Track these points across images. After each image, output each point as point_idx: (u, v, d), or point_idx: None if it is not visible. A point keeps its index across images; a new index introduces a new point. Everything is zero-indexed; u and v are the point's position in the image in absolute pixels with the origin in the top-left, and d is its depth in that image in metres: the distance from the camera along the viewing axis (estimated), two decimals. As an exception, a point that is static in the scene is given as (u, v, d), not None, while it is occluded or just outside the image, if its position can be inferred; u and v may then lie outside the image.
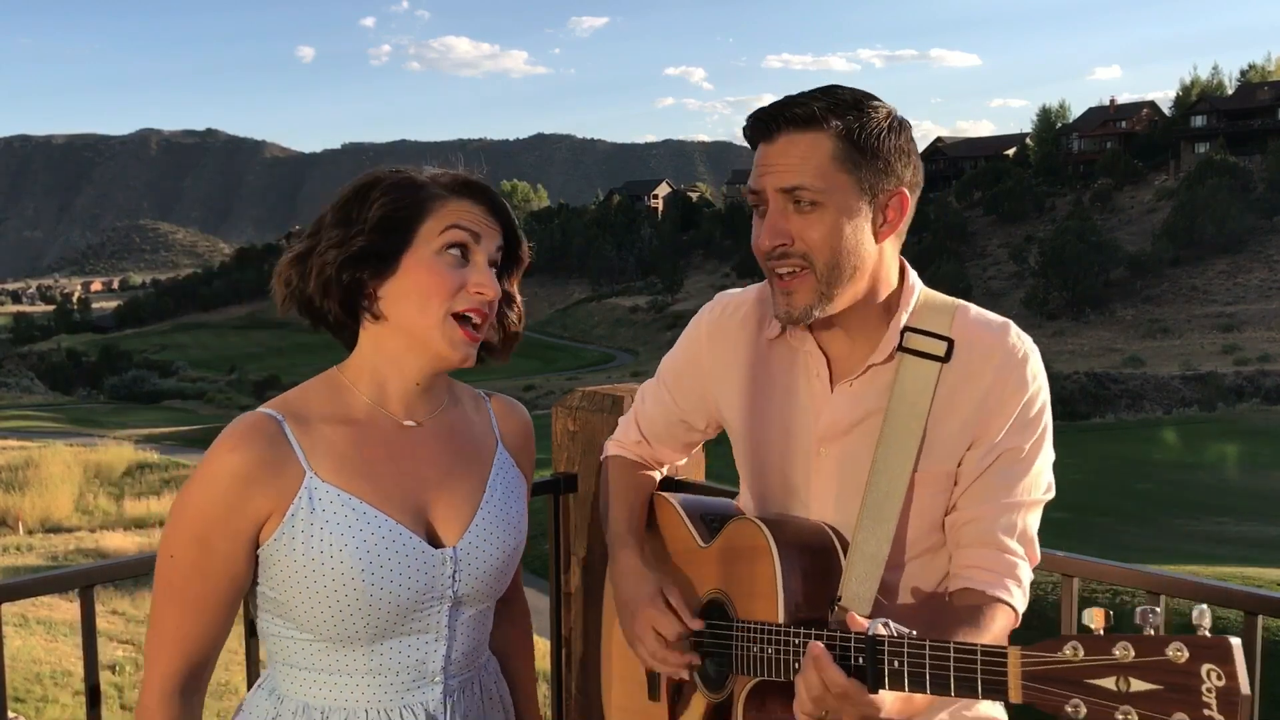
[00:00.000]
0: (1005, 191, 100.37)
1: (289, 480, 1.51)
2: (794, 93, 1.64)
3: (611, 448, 2.10)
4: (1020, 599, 1.65)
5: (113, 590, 16.33)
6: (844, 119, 1.60)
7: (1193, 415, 47.53)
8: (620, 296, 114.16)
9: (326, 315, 1.58)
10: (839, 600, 1.61)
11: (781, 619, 1.59)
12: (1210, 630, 1.15)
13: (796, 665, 1.52)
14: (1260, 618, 1.82)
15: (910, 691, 1.37)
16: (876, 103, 1.64)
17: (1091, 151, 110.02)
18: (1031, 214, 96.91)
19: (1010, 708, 1.69)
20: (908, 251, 1.75)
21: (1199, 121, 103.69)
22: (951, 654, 1.32)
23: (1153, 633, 1.17)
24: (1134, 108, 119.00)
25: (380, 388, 1.61)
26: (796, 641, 1.53)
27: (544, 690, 3.13)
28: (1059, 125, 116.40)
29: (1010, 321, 1.73)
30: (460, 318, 1.55)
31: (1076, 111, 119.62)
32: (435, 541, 1.59)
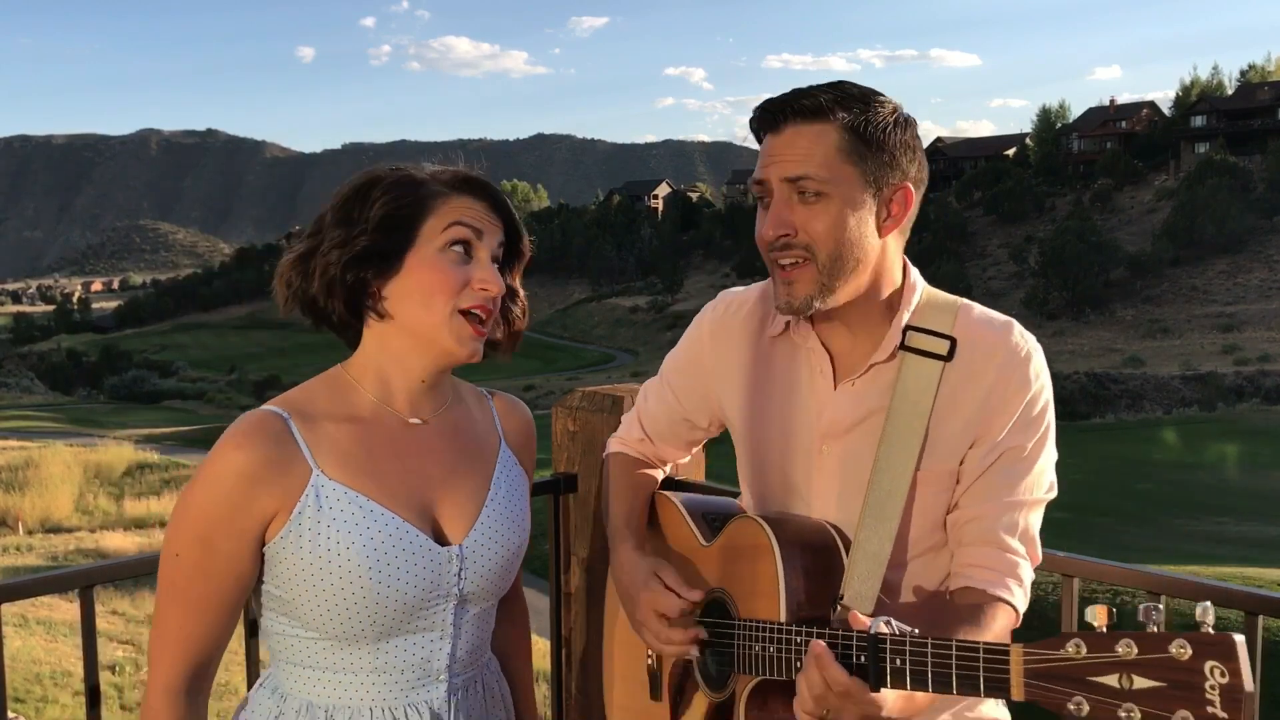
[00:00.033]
0: (1005, 191, 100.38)
1: (295, 478, 1.50)
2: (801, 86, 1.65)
3: (614, 445, 2.10)
4: (1021, 598, 1.65)
5: (113, 590, 16.34)
6: (850, 111, 1.61)
7: (1193, 415, 47.53)
8: (620, 297, 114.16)
9: (330, 315, 1.58)
10: (841, 599, 1.61)
11: (783, 618, 1.58)
12: (1213, 628, 1.15)
13: (798, 664, 1.51)
14: (1260, 618, 1.82)
15: (912, 690, 1.36)
16: (883, 98, 1.65)
17: (1091, 151, 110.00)
18: (1031, 214, 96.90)
19: (1013, 707, 1.69)
20: (908, 252, 1.75)
21: (1199, 121, 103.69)
22: (954, 652, 1.32)
23: (1156, 630, 1.17)
24: (1134, 108, 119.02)
25: (385, 385, 1.61)
26: (798, 640, 1.53)
27: (544, 690, 3.14)
28: (1059, 125, 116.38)
29: (1013, 320, 1.72)
30: (466, 314, 1.56)
31: (1076, 111, 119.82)
32: (441, 539, 1.59)
